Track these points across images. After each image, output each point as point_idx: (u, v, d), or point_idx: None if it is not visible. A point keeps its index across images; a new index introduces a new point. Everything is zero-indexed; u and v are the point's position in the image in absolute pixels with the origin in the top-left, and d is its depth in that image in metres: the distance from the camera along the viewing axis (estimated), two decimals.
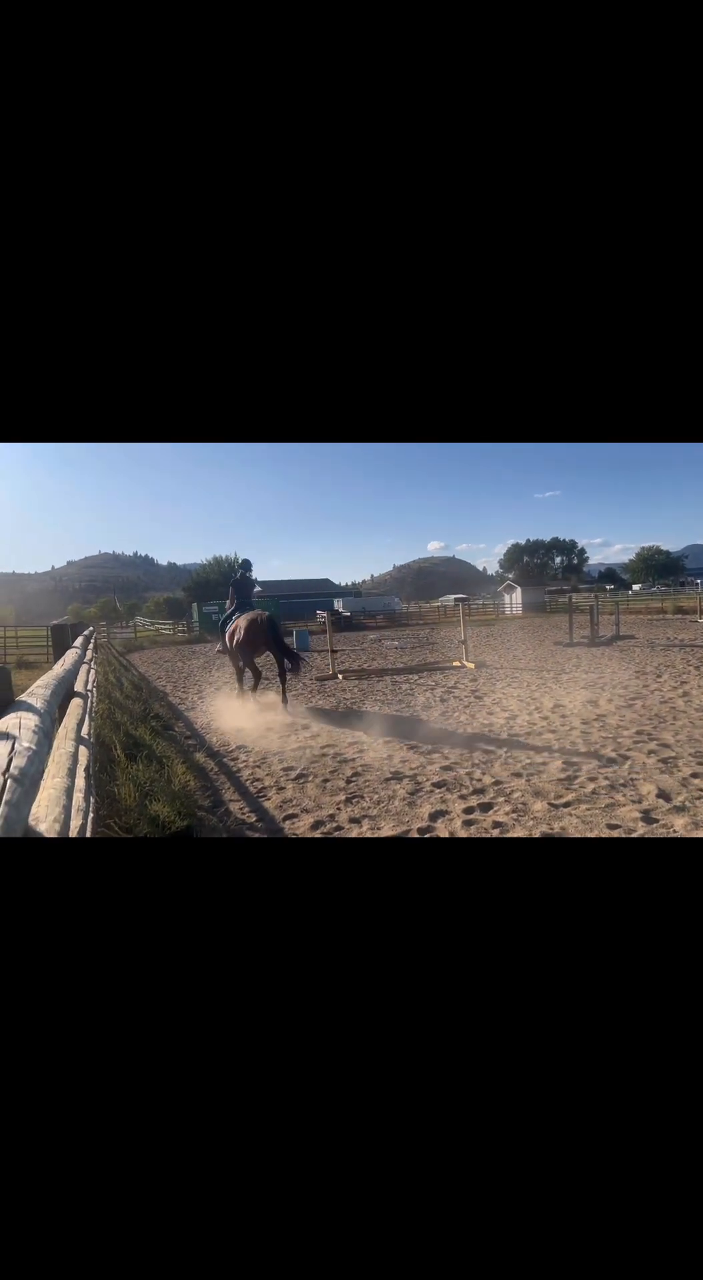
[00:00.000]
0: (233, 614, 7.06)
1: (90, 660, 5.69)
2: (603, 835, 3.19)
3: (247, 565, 7.46)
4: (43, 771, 1.25)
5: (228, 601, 7.37)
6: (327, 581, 64.84)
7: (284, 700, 6.68)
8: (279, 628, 6.85)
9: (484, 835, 3.31)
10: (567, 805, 3.66)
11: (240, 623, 6.69)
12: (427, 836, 3.31)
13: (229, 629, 6.97)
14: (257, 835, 3.32)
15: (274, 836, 3.18)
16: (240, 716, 6.44)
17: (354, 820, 3.64)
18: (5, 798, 0.71)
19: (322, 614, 17.48)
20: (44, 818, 1.22)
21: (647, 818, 3.40)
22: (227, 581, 8.21)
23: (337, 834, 3.46)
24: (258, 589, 7.75)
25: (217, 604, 29.93)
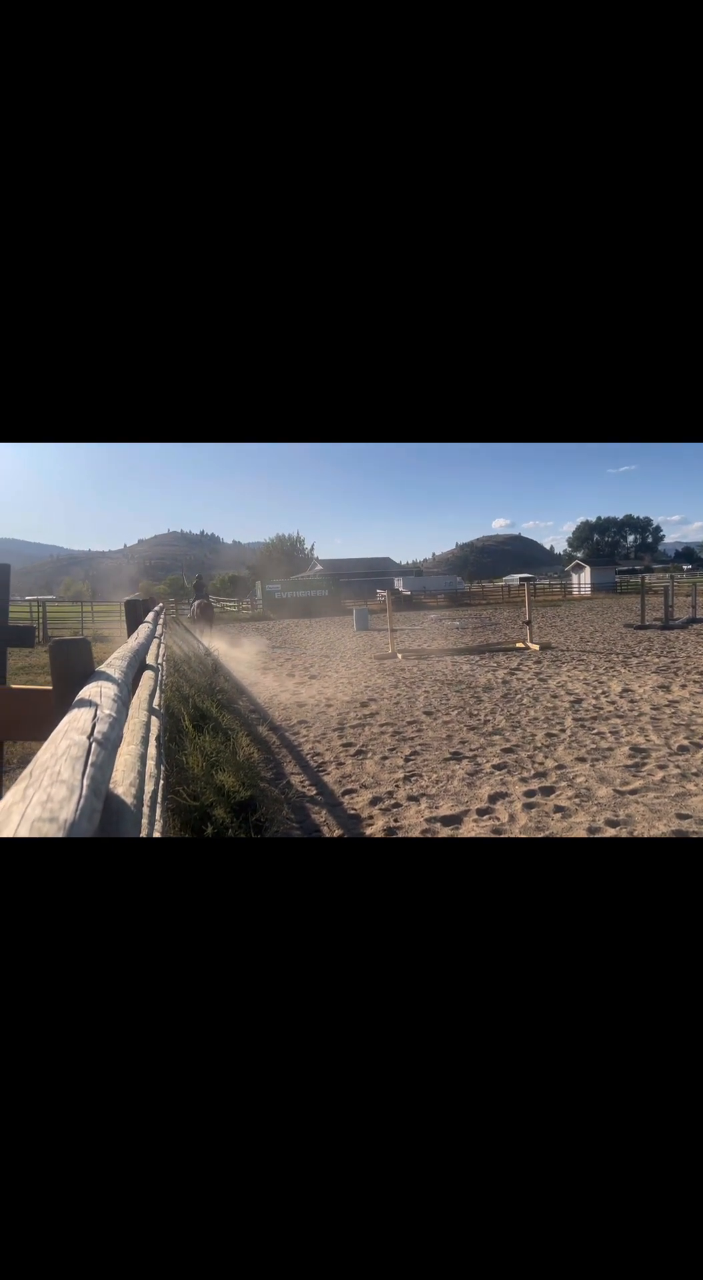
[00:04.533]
0: (194, 601, 16.34)
1: (160, 635, 5.98)
2: (672, 825, 3.07)
3: (200, 577, 18.64)
4: (121, 737, 1.33)
5: (193, 594, 17.12)
6: (388, 560, 64.15)
7: (209, 632, 14.60)
8: (210, 610, 15.47)
9: (546, 818, 3.26)
10: (634, 792, 3.54)
11: (194, 606, 15.99)
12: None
13: (192, 609, 16.86)
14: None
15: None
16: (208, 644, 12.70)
17: (412, 799, 3.67)
18: (91, 759, 0.76)
19: (381, 593, 18.36)
20: (121, 781, 1.30)
21: None
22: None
23: (394, 810, 3.50)
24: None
25: (279, 582, 30.57)
